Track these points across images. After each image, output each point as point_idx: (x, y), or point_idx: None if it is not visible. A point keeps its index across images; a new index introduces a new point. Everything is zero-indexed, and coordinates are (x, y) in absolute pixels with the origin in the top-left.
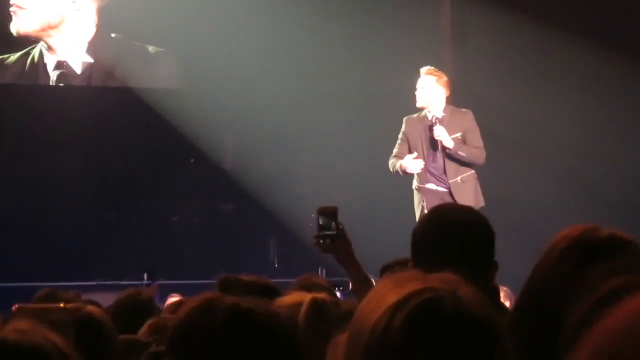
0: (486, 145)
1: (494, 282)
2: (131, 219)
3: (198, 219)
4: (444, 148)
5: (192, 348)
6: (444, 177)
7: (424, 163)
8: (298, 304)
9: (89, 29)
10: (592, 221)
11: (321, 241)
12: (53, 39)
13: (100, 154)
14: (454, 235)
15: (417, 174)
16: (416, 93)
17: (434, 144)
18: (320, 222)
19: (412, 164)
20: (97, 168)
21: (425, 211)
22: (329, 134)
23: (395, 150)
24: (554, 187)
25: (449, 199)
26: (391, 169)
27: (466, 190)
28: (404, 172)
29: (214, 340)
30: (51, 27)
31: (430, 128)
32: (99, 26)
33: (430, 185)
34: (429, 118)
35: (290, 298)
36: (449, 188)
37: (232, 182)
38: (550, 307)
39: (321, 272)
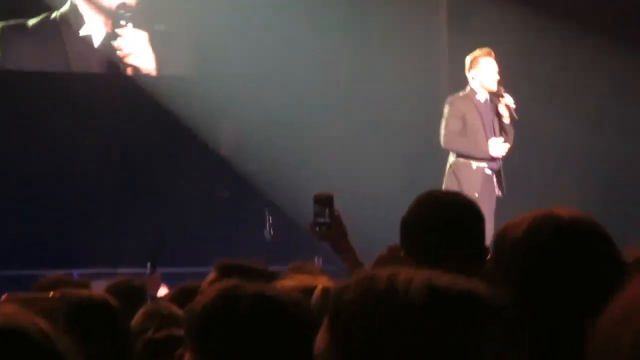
0: None
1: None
2: (129, 206)
3: (194, 207)
4: (502, 124)
5: (217, 335)
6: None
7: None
8: (304, 290)
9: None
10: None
11: (317, 229)
12: None
13: (98, 143)
14: (443, 221)
15: (477, 154)
16: (495, 77)
17: (495, 121)
18: (316, 210)
19: (498, 147)
20: (94, 157)
21: (476, 194)
22: (327, 122)
23: (455, 129)
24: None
25: (493, 181)
26: (459, 148)
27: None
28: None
29: (239, 327)
30: None
31: (496, 107)
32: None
33: (488, 168)
34: (481, 99)
35: (292, 282)
36: (499, 168)
37: (230, 169)
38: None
39: (317, 261)
